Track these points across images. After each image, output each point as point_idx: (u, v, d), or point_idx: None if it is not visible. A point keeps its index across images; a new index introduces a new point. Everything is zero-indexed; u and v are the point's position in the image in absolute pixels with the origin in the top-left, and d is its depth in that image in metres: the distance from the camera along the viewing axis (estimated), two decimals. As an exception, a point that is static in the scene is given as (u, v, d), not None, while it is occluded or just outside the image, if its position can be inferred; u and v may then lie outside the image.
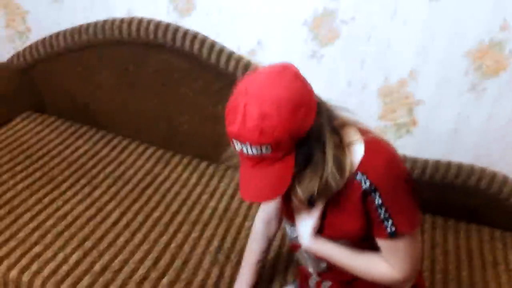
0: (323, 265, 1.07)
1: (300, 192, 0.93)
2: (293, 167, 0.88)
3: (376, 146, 0.95)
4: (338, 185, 0.92)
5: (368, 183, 0.91)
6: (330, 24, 1.59)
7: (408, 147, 1.66)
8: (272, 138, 0.84)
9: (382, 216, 0.92)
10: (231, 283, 1.32)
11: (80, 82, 1.93)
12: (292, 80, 0.87)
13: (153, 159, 1.81)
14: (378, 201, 0.92)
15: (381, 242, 0.97)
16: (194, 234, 1.48)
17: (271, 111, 0.83)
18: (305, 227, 1.01)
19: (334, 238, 1.01)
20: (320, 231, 1.01)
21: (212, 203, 1.62)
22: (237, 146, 0.88)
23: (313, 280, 1.15)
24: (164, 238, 1.45)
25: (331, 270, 1.07)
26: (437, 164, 1.60)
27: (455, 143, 1.62)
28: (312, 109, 0.88)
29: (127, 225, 1.48)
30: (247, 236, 1.48)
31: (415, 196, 0.95)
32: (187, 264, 1.38)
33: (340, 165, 0.91)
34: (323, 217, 1.01)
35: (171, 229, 1.49)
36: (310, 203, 0.99)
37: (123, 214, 1.52)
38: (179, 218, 1.54)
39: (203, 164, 1.81)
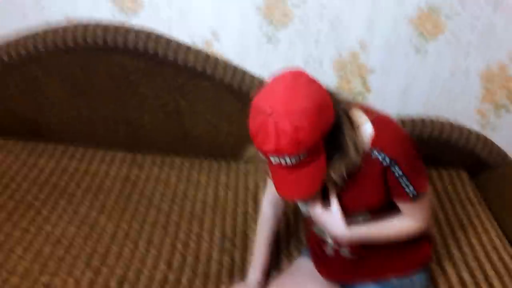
0: None
1: (333, 175, 1.01)
2: (325, 162, 0.96)
3: (383, 123, 1.05)
4: (357, 164, 1.01)
5: (387, 159, 1.01)
6: (282, 8, 1.67)
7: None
8: (308, 146, 0.91)
9: (403, 184, 1.04)
10: (244, 267, 1.39)
11: (25, 97, 1.81)
12: (307, 86, 0.93)
13: (126, 164, 1.78)
14: (398, 172, 1.02)
15: (404, 205, 1.09)
16: (195, 230, 1.51)
17: (302, 123, 0.89)
18: (335, 226, 1.09)
19: (358, 212, 1.11)
20: (344, 208, 1.10)
21: (200, 196, 1.65)
22: (275, 160, 0.94)
23: (330, 248, 1.25)
24: (168, 240, 1.47)
25: None
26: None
27: (406, 101, 1.81)
28: (330, 105, 0.95)
29: (126, 236, 1.47)
30: (244, 220, 1.56)
31: (421, 158, 1.09)
32: (199, 259, 1.42)
33: (356, 146, 1.00)
34: (344, 196, 1.10)
35: (171, 230, 1.50)
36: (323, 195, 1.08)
37: (117, 226, 1.50)
38: (174, 217, 1.56)
39: (177, 160, 1.82)
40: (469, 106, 1.81)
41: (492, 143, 1.84)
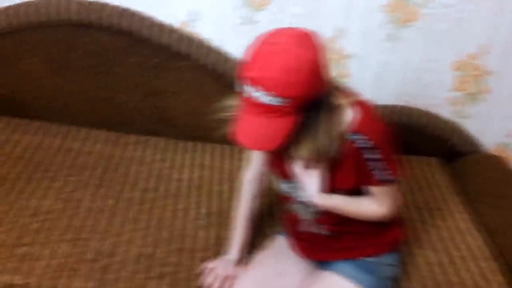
0: (314, 210, 1.20)
1: (295, 152, 1.04)
2: (294, 125, 0.96)
3: (362, 108, 1.08)
4: (330, 151, 1.04)
5: (360, 142, 1.05)
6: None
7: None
8: (287, 93, 0.90)
9: (372, 167, 1.08)
10: (218, 242, 1.41)
11: (1, 72, 1.78)
12: (317, 46, 0.93)
13: (100, 141, 1.78)
14: (369, 155, 1.06)
15: (372, 188, 1.13)
16: (170, 207, 1.53)
17: (294, 67, 0.88)
18: (312, 186, 1.12)
19: (333, 190, 1.14)
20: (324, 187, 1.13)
21: (175, 176, 1.67)
22: (251, 91, 0.92)
23: (307, 225, 1.26)
24: (143, 216, 1.48)
25: (323, 215, 1.20)
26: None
27: (379, 87, 1.85)
28: (324, 80, 0.96)
29: (101, 211, 1.47)
30: (219, 199, 1.58)
31: (393, 146, 1.12)
32: (173, 235, 1.43)
33: (331, 136, 1.03)
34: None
35: (146, 207, 1.52)
36: (312, 164, 1.11)
37: (92, 201, 1.51)
38: (149, 195, 1.57)
39: (152, 140, 1.83)
40: (441, 94, 1.86)
41: (464, 131, 1.90)
